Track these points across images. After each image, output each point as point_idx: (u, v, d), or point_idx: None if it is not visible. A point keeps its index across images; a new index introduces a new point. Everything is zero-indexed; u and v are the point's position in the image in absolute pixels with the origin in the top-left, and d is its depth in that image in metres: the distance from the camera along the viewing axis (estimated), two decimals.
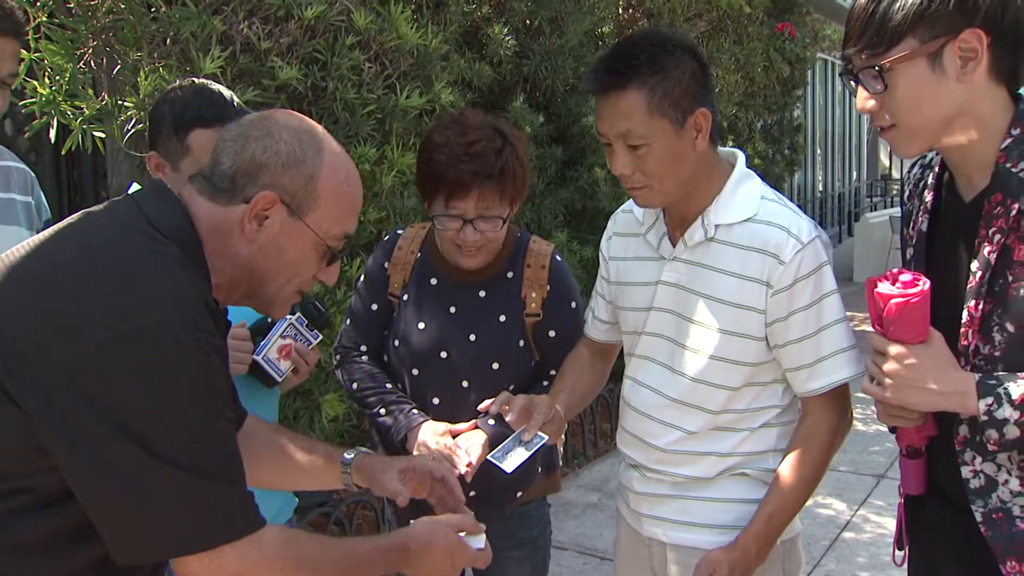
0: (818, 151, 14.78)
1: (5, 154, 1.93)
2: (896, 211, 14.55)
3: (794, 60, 7.96)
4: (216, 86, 1.92)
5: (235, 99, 1.91)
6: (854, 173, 17.25)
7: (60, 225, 1.30)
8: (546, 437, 1.83)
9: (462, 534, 1.57)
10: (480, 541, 1.59)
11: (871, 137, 18.20)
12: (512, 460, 1.80)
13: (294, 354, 1.96)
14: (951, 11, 1.41)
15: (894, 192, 21.92)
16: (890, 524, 4.27)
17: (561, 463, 2.56)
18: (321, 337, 2.06)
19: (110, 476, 1.15)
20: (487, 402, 1.87)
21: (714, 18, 6.46)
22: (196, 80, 1.96)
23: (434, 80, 3.55)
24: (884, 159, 19.78)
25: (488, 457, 1.87)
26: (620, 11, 5.98)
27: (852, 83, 1.53)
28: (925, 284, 1.46)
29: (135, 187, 2.23)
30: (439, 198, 2.05)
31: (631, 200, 2.02)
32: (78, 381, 1.13)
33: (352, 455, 1.73)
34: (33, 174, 1.98)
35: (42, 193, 2.00)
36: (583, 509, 4.80)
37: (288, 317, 1.95)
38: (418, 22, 3.56)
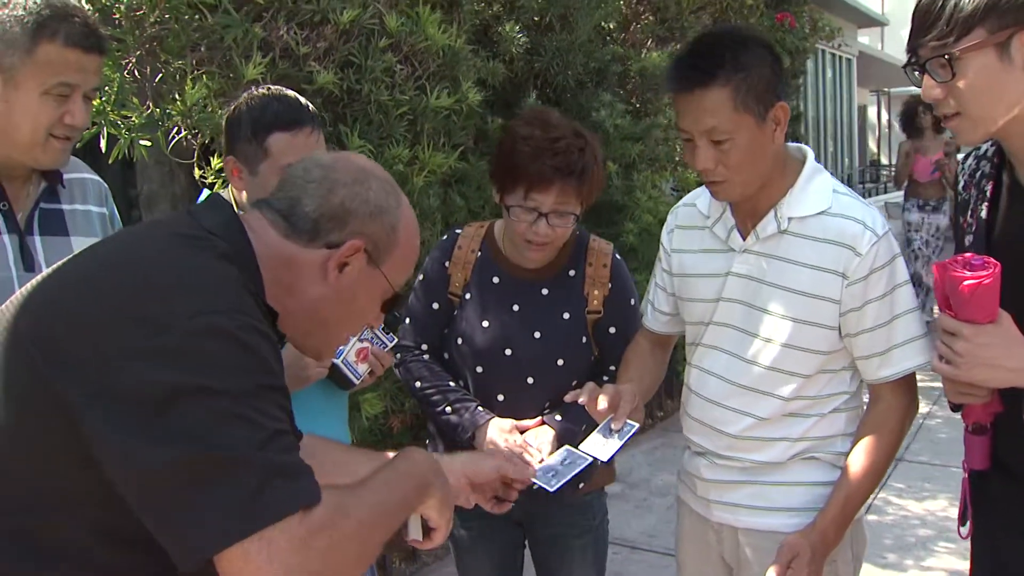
0: (810, 139, 14.87)
1: (80, 166, 1.96)
2: (891, 196, 14.70)
3: (794, 50, 8.01)
4: (291, 93, 1.98)
5: (310, 105, 1.97)
6: (846, 160, 17.37)
7: (118, 231, 1.29)
8: (636, 424, 1.83)
9: None
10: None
11: (860, 123, 18.32)
12: (607, 449, 1.82)
13: (371, 357, 2.00)
14: (1020, 2, 1.46)
15: (884, 178, 22.03)
16: (912, 506, 4.35)
17: None
18: (396, 340, 2.09)
19: (161, 474, 1.06)
20: (572, 393, 1.90)
21: (717, 11, 6.51)
22: (272, 88, 2.02)
23: (461, 80, 3.59)
24: (872, 146, 19.89)
25: (582, 450, 1.87)
26: (624, 7, 6.01)
27: (916, 73, 1.59)
28: (996, 267, 1.52)
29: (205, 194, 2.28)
30: (518, 190, 2.08)
31: (691, 194, 2.07)
32: (116, 379, 1.08)
33: None
34: (106, 185, 2.01)
35: (114, 204, 2.04)
36: (608, 500, 4.84)
37: None
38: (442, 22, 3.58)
